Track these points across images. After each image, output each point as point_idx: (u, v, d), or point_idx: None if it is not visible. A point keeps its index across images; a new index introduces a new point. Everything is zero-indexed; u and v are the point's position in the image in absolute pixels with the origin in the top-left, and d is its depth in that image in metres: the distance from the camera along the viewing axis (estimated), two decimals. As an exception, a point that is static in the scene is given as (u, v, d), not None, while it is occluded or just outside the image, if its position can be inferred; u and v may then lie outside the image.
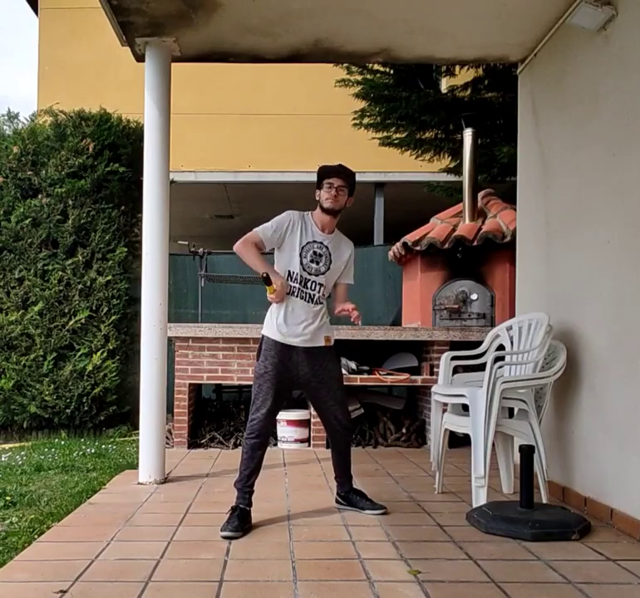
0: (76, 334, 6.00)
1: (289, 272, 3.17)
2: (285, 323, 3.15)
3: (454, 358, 3.85)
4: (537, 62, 4.16)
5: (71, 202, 6.06)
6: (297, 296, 3.17)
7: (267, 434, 3.19)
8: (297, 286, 3.17)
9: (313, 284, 3.19)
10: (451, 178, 7.65)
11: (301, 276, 3.17)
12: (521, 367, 3.60)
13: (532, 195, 4.22)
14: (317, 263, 3.20)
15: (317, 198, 3.25)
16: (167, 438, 5.06)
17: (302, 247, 3.17)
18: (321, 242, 3.21)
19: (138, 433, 4.07)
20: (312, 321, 3.18)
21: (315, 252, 3.19)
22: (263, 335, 3.22)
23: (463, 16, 3.79)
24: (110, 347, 6.01)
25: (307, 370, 3.17)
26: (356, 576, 2.41)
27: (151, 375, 3.99)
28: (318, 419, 5.15)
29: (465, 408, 3.45)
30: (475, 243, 5.87)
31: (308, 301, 3.18)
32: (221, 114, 9.59)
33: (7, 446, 5.58)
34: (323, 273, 3.20)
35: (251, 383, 3.26)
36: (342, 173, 3.22)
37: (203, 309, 7.05)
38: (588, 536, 2.92)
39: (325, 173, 3.23)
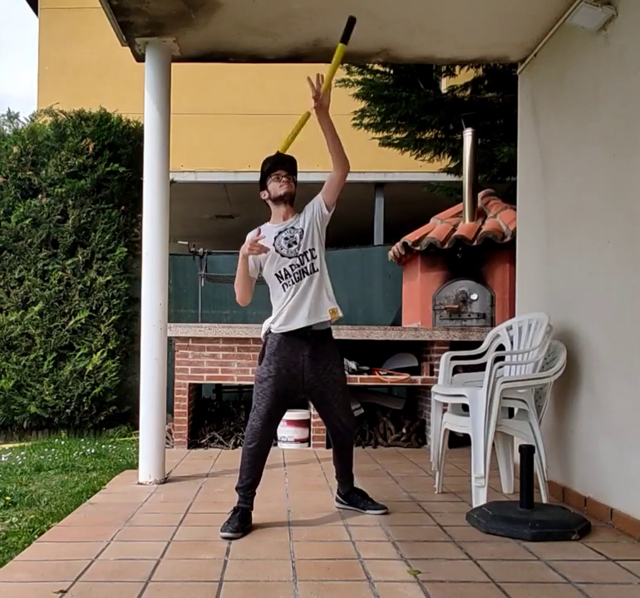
0: (76, 334, 6.00)
1: (277, 274, 3.13)
2: (289, 312, 3.08)
3: (454, 358, 3.85)
4: (537, 62, 4.16)
5: (71, 202, 6.07)
6: (295, 288, 3.10)
7: (268, 442, 3.11)
8: (292, 279, 3.10)
9: (302, 258, 3.12)
10: (451, 178, 7.65)
11: (287, 266, 3.11)
12: (521, 367, 3.60)
13: (532, 195, 4.22)
14: (295, 242, 3.13)
15: (265, 197, 3.24)
16: (167, 438, 5.06)
17: (273, 244, 3.12)
18: (285, 228, 3.18)
19: (138, 433, 4.07)
20: (313, 294, 3.10)
21: (286, 238, 3.14)
22: (265, 337, 3.16)
23: (463, 16, 3.80)
24: (110, 347, 6.02)
25: (312, 376, 3.11)
26: (357, 576, 2.41)
27: (151, 375, 3.99)
28: (318, 419, 5.18)
29: (465, 408, 3.45)
30: (475, 243, 5.87)
31: (304, 275, 3.10)
32: (221, 114, 9.59)
33: (7, 446, 5.58)
34: (303, 239, 3.13)
35: (251, 383, 3.23)
36: (281, 163, 3.23)
37: (203, 309, 7.06)
38: (588, 536, 2.91)
39: (267, 170, 3.23)
